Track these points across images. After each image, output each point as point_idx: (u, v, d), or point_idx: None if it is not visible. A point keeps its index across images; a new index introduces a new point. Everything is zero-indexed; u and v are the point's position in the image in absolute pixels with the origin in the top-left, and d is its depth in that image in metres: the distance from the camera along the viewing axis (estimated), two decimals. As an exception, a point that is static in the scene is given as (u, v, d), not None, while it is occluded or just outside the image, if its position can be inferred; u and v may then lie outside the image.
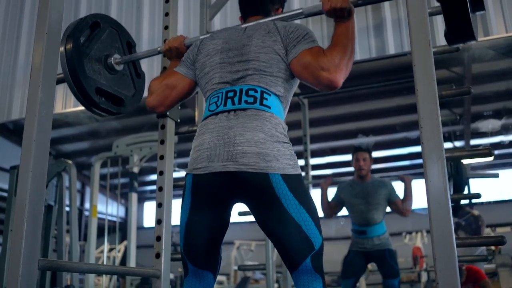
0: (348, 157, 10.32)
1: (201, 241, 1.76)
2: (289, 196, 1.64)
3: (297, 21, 2.90)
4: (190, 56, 2.01)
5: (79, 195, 13.15)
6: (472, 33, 1.72)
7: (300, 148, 4.89)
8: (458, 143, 8.82)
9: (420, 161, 1.52)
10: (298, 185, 1.67)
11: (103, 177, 6.98)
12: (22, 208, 1.70)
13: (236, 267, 8.39)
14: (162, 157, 2.53)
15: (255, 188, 1.65)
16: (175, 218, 2.12)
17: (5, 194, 9.20)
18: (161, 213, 2.57)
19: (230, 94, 1.79)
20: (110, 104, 2.26)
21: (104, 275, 6.43)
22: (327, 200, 4.23)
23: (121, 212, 13.37)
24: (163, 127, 2.56)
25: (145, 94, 2.32)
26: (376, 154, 11.44)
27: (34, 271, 1.70)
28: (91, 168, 6.54)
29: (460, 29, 1.68)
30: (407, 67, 1.65)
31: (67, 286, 4.53)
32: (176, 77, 2.01)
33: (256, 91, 1.77)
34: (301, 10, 1.96)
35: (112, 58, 2.24)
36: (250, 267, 5.09)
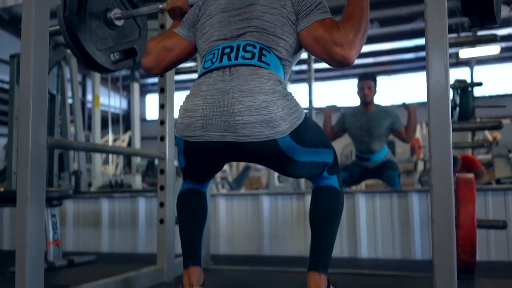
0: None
1: (198, 178, 1.87)
2: (299, 150, 1.63)
3: None
4: (190, 17, 1.89)
5: (81, 87, 13.16)
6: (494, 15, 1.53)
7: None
8: (465, 34, 8.61)
9: (425, 54, 1.48)
10: (305, 131, 1.64)
11: (104, 68, 6.91)
12: (27, 87, 1.71)
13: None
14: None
15: (262, 153, 1.62)
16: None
17: (5, 86, 9.18)
18: (164, 98, 2.61)
19: (227, 50, 1.69)
20: (125, 61, 2.15)
21: (110, 163, 6.62)
22: (330, 126, 4.25)
23: (124, 104, 13.46)
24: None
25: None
26: (381, 46, 11.33)
27: (43, 149, 1.76)
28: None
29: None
30: None
31: (75, 172, 4.71)
32: (175, 39, 1.89)
33: (254, 47, 1.67)
34: None
35: (111, 13, 2.09)
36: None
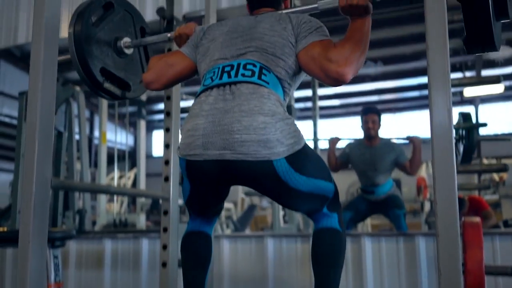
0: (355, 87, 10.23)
1: (203, 209, 1.88)
2: (296, 177, 1.63)
3: None
4: (194, 38, 1.94)
5: (88, 123, 13.24)
6: (493, 42, 1.55)
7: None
8: (469, 73, 8.65)
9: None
10: (303, 158, 1.64)
11: (111, 105, 6.96)
12: (33, 125, 1.73)
13: (243, 195, 8.56)
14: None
15: (258, 175, 1.62)
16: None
17: (14, 122, 9.27)
18: (169, 138, 2.61)
19: (227, 69, 1.71)
20: (115, 88, 2.18)
21: (115, 201, 6.59)
22: (335, 158, 4.26)
23: (130, 141, 13.51)
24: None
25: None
26: (386, 84, 11.43)
27: (47, 189, 1.76)
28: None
29: (480, 36, 1.53)
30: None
31: (80, 210, 4.69)
32: (177, 56, 1.94)
33: (255, 66, 1.69)
34: (316, 5, 1.83)
35: (122, 41, 2.17)
36: (257, 193, 5.20)
